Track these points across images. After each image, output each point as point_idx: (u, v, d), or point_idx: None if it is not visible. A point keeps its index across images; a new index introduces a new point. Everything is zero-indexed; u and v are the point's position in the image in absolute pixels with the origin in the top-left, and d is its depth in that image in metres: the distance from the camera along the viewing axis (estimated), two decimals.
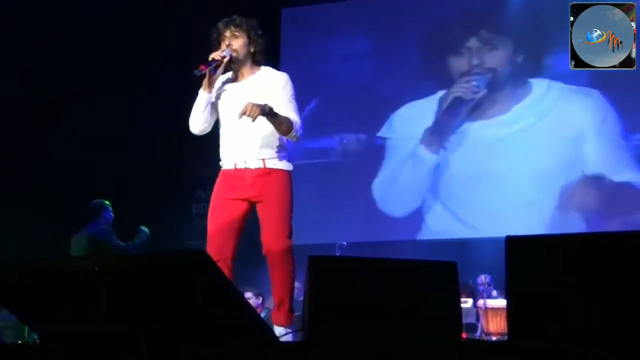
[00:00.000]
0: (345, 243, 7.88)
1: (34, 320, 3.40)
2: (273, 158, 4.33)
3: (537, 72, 8.89)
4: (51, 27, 9.04)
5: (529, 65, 8.92)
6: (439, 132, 8.98)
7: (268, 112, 4.14)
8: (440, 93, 9.13)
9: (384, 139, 9.26)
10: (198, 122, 4.42)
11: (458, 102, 8.97)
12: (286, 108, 4.31)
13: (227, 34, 4.38)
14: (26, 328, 6.98)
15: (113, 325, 3.08)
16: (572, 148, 8.66)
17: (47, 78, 9.27)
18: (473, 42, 8.99)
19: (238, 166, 4.34)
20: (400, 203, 9.03)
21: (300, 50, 9.25)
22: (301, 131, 4.35)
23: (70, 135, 8.98)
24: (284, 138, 4.35)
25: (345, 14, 9.58)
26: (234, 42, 4.36)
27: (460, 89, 8.97)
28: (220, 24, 4.43)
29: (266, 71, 4.46)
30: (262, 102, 4.14)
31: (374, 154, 9.28)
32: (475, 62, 8.99)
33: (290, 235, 4.32)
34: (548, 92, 8.81)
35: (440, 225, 8.90)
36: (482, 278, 8.17)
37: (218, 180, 4.43)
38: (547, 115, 8.77)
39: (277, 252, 4.27)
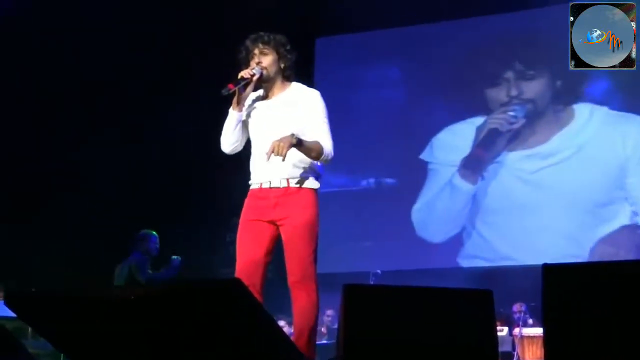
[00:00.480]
0: (379, 271, 7.85)
1: (70, 348, 3.42)
2: (297, 177, 4.26)
3: (579, 97, 8.80)
4: (81, 46, 9.14)
5: (569, 90, 8.84)
6: (475, 163, 8.94)
7: (296, 144, 4.10)
8: (479, 119, 9.08)
9: (423, 163, 9.23)
10: (229, 142, 4.39)
11: (495, 133, 8.92)
12: (318, 129, 4.28)
13: (256, 51, 4.34)
14: (62, 356, 7.02)
15: (148, 353, 3.09)
16: (614, 179, 8.52)
17: (75, 102, 9.36)
18: (509, 74, 8.96)
19: (263, 186, 4.30)
20: (438, 229, 9.00)
21: (334, 78, 9.28)
22: (332, 154, 4.27)
23: (103, 161, 9.10)
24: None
25: (378, 43, 9.61)
26: (263, 60, 4.32)
27: (497, 121, 8.94)
28: (248, 42, 4.39)
29: (297, 88, 4.40)
30: (288, 134, 4.11)
31: (407, 181, 9.24)
32: (514, 93, 8.95)
33: (314, 260, 4.22)
34: (590, 119, 8.72)
35: (476, 253, 8.83)
36: (518, 306, 8.10)
37: (246, 202, 4.39)
38: (588, 145, 8.67)
39: (298, 279, 4.18)
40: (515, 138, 8.96)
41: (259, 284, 4.22)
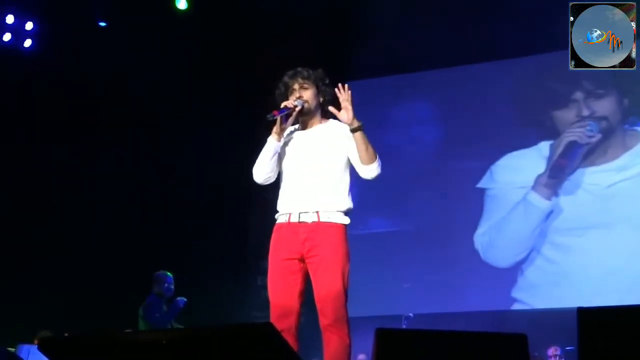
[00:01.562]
0: (412, 314, 7.79)
1: None
2: (328, 211, 4.20)
3: None
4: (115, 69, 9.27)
5: (637, 108, 8.82)
6: (554, 176, 8.90)
7: (358, 127, 4.14)
8: (543, 143, 9.07)
9: (455, 204, 9.20)
10: (264, 171, 4.31)
11: (574, 146, 8.89)
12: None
13: (296, 86, 4.34)
14: None
15: None
16: None
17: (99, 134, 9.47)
18: (578, 95, 8.96)
19: (292, 218, 4.23)
20: (507, 252, 8.94)
21: (365, 121, 9.27)
22: (380, 170, 4.25)
23: (130, 201, 9.17)
24: (343, 189, 4.25)
25: (409, 85, 9.65)
26: (304, 94, 4.32)
27: (575, 133, 8.92)
28: (286, 78, 4.39)
29: (333, 124, 4.38)
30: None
31: (444, 222, 9.18)
32: (585, 113, 8.94)
33: (345, 301, 4.13)
34: None
35: (512, 296, 8.73)
36: (552, 350, 7.98)
37: (273, 237, 4.31)
38: None
39: (330, 322, 4.10)
40: (588, 155, 8.93)
41: (294, 327, 4.16)
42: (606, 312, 2.93)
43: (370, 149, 4.20)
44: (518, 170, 9.16)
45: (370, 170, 4.24)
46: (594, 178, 8.80)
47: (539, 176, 8.99)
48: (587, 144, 8.89)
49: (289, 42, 8.81)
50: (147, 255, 8.43)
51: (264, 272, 9.00)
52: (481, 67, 9.58)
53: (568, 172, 8.89)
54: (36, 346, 7.33)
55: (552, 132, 9.15)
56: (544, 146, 9.13)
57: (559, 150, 8.96)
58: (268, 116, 4.23)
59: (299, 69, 4.40)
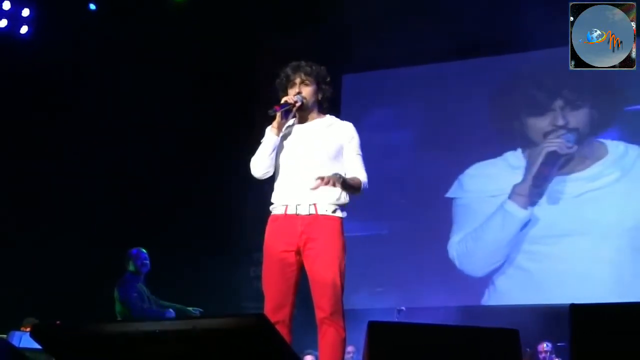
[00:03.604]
0: (404, 308, 7.81)
1: None
2: (325, 204, 4.20)
3: (613, 132, 8.82)
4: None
5: (604, 123, 8.88)
6: (534, 186, 8.95)
7: (342, 183, 4.10)
8: (509, 153, 9.10)
9: (449, 199, 9.22)
10: (263, 165, 4.28)
11: (553, 156, 8.95)
12: (354, 160, 4.29)
13: (297, 80, 4.33)
14: None
15: None
16: None
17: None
18: (558, 103, 8.99)
19: (289, 211, 4.22)
20: (483, 261, 8.97)
21: (360, 115, 9.27)
22: (367, 186, 4.27)
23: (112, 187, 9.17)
24: None
25: (403, 80, 9.67)
26: (304, 90, 4.31)
27: (554, 144, 8.96)
28: (289, 70, 4.37)
29: (332, 120, 4.39)
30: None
31: (438, 215, 9.21)
32: (560, 123, 8.98)
33: (342, 294, 4.14)
34: (626, 153, 8.76)
35: (506, 290, 8.78)
36: (543, 346, 8.00)
37: (268, 228, 4.30)
38: (628, 174, 8.67)
39: (327, 315, 4.09)
40: (564, 164, 8.99)
41: (288, 319, 4.16)
42: (598, 309, 2.95)
43: (356, 186, 4.22)
44: (488, 179, 9.17)
45: (357, 195, 4.30)
46: (565, 187, 8.87)
47: (516, 185, 9.02)
48: (566, 154, 8.96)
49: (289, 35, 8.80)
50: (136, 244, 8.39)
51: (257, 263, 9.03)
52: (459, 65, 9.58)
53: (541, 184, 8.96)
54: (27, 333, 7.37)
55: (521, 141, 9.16)
56: (512, 155, 9.20)
57: (540, 159, 9.02)
58: (270, 111, 4.24)
59: (303, 63, 4.38)
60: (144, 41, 9.22)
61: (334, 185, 4.05)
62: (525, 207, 8.94)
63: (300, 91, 4.32)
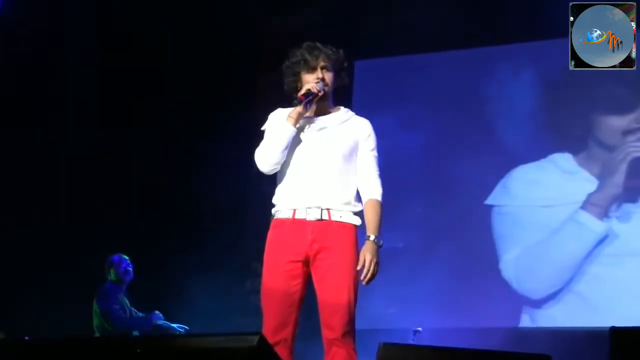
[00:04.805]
0: (420, 329, 7.83)
1: None
2: (340, 210, 4.22)
3: None
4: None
5: None
6: (609, 198, 8.75)
7: (380, 245, 4.22)
8: (557, 155, 8.99)
9: (476, 207, 9.08)
10: (275, 159, 4.24)
11: (637, 163, 8.72)
12: (368, 162, 4.33)
13: (319, 64, 4.30)
14: None
15: None
16: None
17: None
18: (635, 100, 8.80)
19: (297, 215, 4.22)
20: (546, 281, 8.79)
21: (375, 108, 9.22)
22: (382, 191, 4.32)
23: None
24: (354, 187, 4.30)
25: (429, 66, 9.57)
26: (326, 76, 4.30)
27: (636, 148, 8.74)
28: (305, 52, 4.33)
29: (348, 114, 4.40)
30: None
31: (464, 225, 9.09)
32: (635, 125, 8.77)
33: (354, 310, 4.15)
34: None
35: (551, 312, 8.70)
36: None
37: (272, 234, 4.29)
38: None
39: (338, 335, 4.10)
40: None
41: (290, 339, 4.17)
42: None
43: (381, 217, 4.31)
44: (537, 185, 8.96)
45: None
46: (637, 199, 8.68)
47: (592, 194, 8.76)
48: None
49: (295, 14, 8.84)
50: (116, 251, 8.43)
51: (255, 275, 9.10)
52: (496, 51, 9.38)
53: (621, 194, 8.72)
54: None
55: (577, 141, 8.93)
56: (561, 158, 8.91)
57: (624, 167, 8.79)
58: (295, 102, 4.25)
59: (320, 45, 4.37)
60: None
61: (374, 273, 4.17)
62: (602, 220, 8.73)
63: (323, 77, 4.30)
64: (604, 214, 8.69)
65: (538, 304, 8.79)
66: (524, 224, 8.95)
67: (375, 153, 4.38)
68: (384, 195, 4.37)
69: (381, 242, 4.23)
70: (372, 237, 4.20)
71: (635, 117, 8.73)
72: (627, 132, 8.73)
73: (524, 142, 9.03)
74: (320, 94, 4.26)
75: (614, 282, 8.50)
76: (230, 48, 9.52)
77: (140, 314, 7.70)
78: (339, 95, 4.49)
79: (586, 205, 8.75)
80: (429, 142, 9.21)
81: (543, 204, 8.87)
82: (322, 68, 4.31)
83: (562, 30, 8.30)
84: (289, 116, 4.27)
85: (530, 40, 9.07)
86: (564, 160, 8.95)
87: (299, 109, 4.25)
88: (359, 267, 4.14)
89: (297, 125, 4.30)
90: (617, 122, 8.81)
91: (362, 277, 4.15)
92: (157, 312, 7.68)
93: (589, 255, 8.65)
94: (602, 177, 8.79)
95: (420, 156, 9.15)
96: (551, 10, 8.27)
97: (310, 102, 4.27)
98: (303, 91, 4.26)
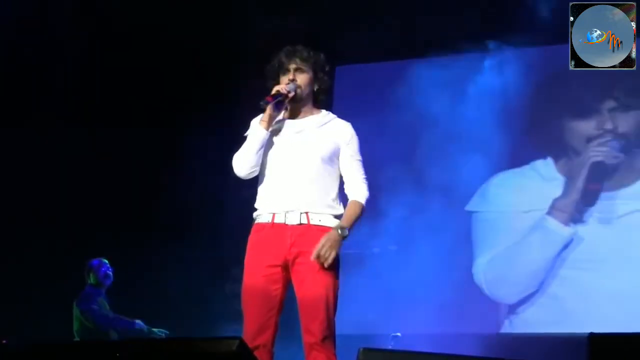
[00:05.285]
0: (399, 334, 7.84)
1: None
2: (319, 212, 4.22)
3: None
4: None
5: None
6: (577, 203, 8.77)
7: (345, 236, 4.14)
8: (539, 162, 9.02)
9: (468, 213, 9.11)
10: (249, 164, 4.26)
11: (600, 167, 8.77)
12: (351, 166, 4.31)
13: (292, 66, 4.32)
14: None
15: None
16: None
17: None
18: (606, 104, 8.85)
19: (277, 219, 4.22)
20: (516, 286, 8.80)
21: (356, 113, 9.18)
22: (368, 193, 4.30)
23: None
24: (335, 190, 4.28)
25: (405, 72, 9.58)
26: (298, 77, 4.30)
27: (599, 153, 8.76)
28: (282, 55, 4.36)
29: (328, 117, 4.39)
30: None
31: (448, 230, 9.11)
32: (608, 127, 8.81)
33: (334, 314, 4.15)
34: None
35: (531, 318, 8.72)
36: None
37: (252, 239, 4.29)
38: None
39: (318, 340, 4.10)
40: (612, 176, 8.80)
41: (270, 343, 4.17)
42: (618, 339, 3.02)
43: (358, 215, 4.27)
44: (517, 191, 9.02)
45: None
46: (608, 205, 8.66)
47: (557, 200, 8.83)
48: (613, 164, 8.79)
49: (279, 17, 8.84)
50: (96, 254, 8.40)
51: (235, 280, 9.05)
52: (476, 57, 9.31)
53: (585, 199, 8.77)
54: None
55: (556, 147, 8.99)
56: (542, 164, 8.97)
57: (585, 172, 8.84)
58: (261, 103, 4.23)
59: (299, 47, 4.38)
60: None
61: (330, 259, 4.08)
62: (567, 225, 8.78)
63: (294, 79, 4.30)
64: (569, 219, 8.78)
65: (512, 309, 8.83)
66: (499, 230, 9.02)
67: (358, 156, 4.36)
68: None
69: (347, 232, 4.17)
70: (339, 228, 4.18)
71: (598, 123, 8.85)
72: (590, 138, 8.84)
73: (506, 148, 9.04)
74: (290, 94, 4.26)
75: (583, 287, 8.57)
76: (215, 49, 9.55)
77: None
78: (322, 99, 4.46)
79: (551, 210, 8.83)
80: (408, 148, 9.25)
81: (519, 209, 8.93)
82: (296, 70, 4.32)
83: (544, 37, 8.56)
84: (261, 119, 4.29)
85: (513, 46, 9.10)
86: (544, 166, 9.00)
87: (269, 111, 4.26)
88: (313, 254, 4.11)
89: (274, 128, 4.32)
90: (584, 127, 8.91)
91: (311, 257, 4.12)
92: (138, 321, 7.70)
93: (555, 260, 8.73)
94: (566, 182, 8.89)
95: (400, 162, 9.16)
96: (533, 16, 8.38)
97: (281, 104, 4.28)
98: (272, 92, 4.27)
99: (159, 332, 7.75)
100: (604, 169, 8.75)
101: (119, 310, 7.83)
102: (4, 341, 6.71)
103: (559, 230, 8.74)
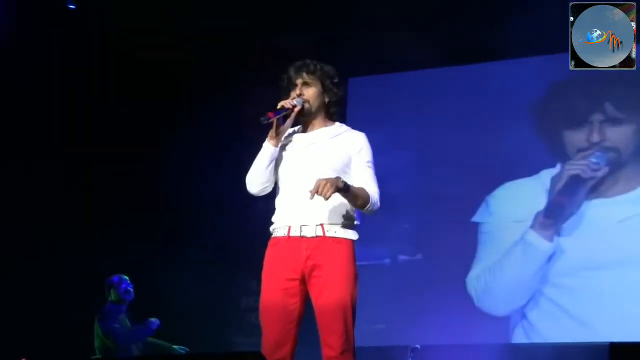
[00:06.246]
0: (418, 346, 7.81)
1: None
2: (335, 224, 4.20)
3: None
4: None
5: None
6: (554, 214, 8.76)
7: (342, 188, 4.05)
8: (545, 172, 8.99)
9: (474, 225, 9.09)
10: (260, 180, 4.29)
11: (576, 181, 8.77)
12: (364, 174, 4.28)
13: (299, 81, 4.33)
14: None
15: None
16: None
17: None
18: (596, 117, 8.85)
19: (292, 233, 4.20)
20: (504, 299, 8.81)
21: (369, 125, 9.17)
22: (379, 204, 4.28)
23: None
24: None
25: (420, 83, 9.59)
26: (305, 91, 4.31)
27: (577, 167, 8.76)
28: (291, 70, 4.37)
29: (341, 129, 4.38)
30: (334, 176, 4.08)
31: (457, 244, 9.09)
32: (595, 139, 8.82)
33: (352, 327, 4.14)
34: None
35: (544, 325, 8.69)
36: None
37: (268, 253, 4.29)
38: None
39: (337, 354, 4.08)
40: (595, 187, 8.79)
41: (289, 357, 4.17)
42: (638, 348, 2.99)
43: (362, 197, 4.19)
44: (515, 202, 8.98)
45: (366, 212, 4.28)
46: (605, 211, 8.71)
47: (538, 213, 8.88)
48: (592, 178, 8.79)
49: (287, 31, 8.84)
50: (115, 271, 8.42)
51: (251, 293, 9.06)
52: (478, 68, 9.42)
53: (570, 209, 8.80)
54: None
55: (559, 157, 8.96)
56: (547, 174, 8.94)
57: (559, 185, 8.88)
58: (262, 119, 4.20)
59: (307, 61, 4.39)
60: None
61: (327, 192, 3.98)
62: (549, 239, 8.74)
63: (301, 93, 4.31)
64: (549, 232, 8.76)
65: (521, 318, 8.80)
66: (494, 241, 9.02)
67: (370, 165, 4.33)
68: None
69: (344, 184, 4.07)
70: (340, 177, 4.11)
71: (586, 135, 8.85)
72: (581, 150, 8.86)
73: (515, 158, 9.08)
74: (296, 109, 4.26)
75: (587, 294, 8.54)
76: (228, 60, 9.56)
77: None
78: (334, 111, 4.43)
79: (534, 223, 8.83)
80: (420, 159, 9.28)
81: (516, 220, 8.92)
82: (303, 84, 4.33)
83: (552, 47, 8.58)
84: (268, 136, 4.29)
85: (523, 57, 9.13)
86: (549, 176, 9.00)
87: (274, 127, 4.25)
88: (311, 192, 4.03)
89: (285, 142, 4.34)
90: (575, 138, 8.92)
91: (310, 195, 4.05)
92: (152, 319, 7.69)
93: (538, 273, 8.72)
94: (549, 194, 8.88)
95: (411, 173, 9.18)
96: (541, 26, 8.39)
97: (285, 118, 4.28)
98: (278, 107, 4.27)
99: (179, 348, 7.75)
100: (579, 182, 8.73)
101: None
102: (24, 359, 6.75)
103: (538, 244, 8.73)
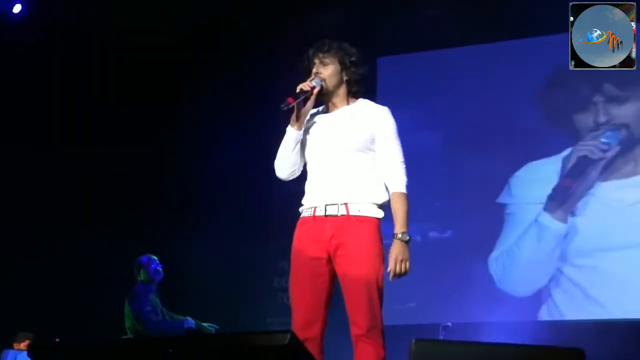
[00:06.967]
0: (450, 324, 7.80)
1: None
2: (359, 203, 4.19)
3: None
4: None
5: None
6: (563, 196, 8.75)
7: (407, 242, 4.21)
8: (567, 152, 8.93)
9: (501, 205, 9.07)
10: (286, 165, 4.31)
11: (585, 162, 8.73)
12: (388, 150, 4.25)
13: (316, 60, 4.31)
14: None
15: None
16: None
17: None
18: (598, 98, 8.80)
19: (317, 212, 4.22)
20: (523, 280, 8.78)
21: (397, 106, 9.17)
22: (406, 178, 4.27)
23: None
24: (376, 178, 4.25)
25: (447, 62, 9.54)
26: (323, 70, 4.28)
27: (585, 148, 8.71)
28: (310, 50, 4.35)
29: (363, 104, 4.35)
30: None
31: (486, 224, 9.07)
32: (602, 119, 8.76)
33: (380, 306, 4.14)
34: None
35: (567, 304, 8.66)
36: None
37: (296, 233, 4.30)
38: None
39: (364, 331, 4.08)
40: (607, 168, 8.74)
41: (319, 336, 4.17)
42: None
43: (407, 210, 4.29)
44: (535, 183, 8.92)
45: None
46: (617, 194, 8.61)
47: (550, 194, 8.76)
48: (601, 159, 8.72)
49: (318, 13, 8.82)
50: (143, 252, 8.45)
51: (282, 273, 9.06)
52: (496, 47, 9.34)
53: (579, 190, 8.73)
54: (23, 352, 7.49)
55: (575, 138, 8.90)
56: (567, 154, 8.90)
57: (569, 166, 8.80)
58: (282, 105, 4.19)
59: (325, 40, 4.37)
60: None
61: (405, 264, 4.21)
62: (562, 219, 8.72)
63: (318, 72, 4.29)
64: (560, 214, 8.71)
65: (545, 297, 8.78)
66: (516, 223, 8.97)
67: (393, 138, 4.29)
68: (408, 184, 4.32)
69: (408, 236, 4.19)
70: (398, 235, 4.19)
71: (594, 117, 8.77)
72: (591, 130, 8.78)
73: (542, 137, 9.03)
74: (315, 90, 4.25)
75: (607, 274, 8.48)
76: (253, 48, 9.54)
77: (174, 316, 7.75)
78: (356, 89, 4.38)
79: (546, 205, 8.79)
80: (450, 138, 9.26)
81: (535, 202, 8.88)
82: (320, 63, 4.31)
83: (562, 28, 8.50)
84: (291, 120, 4.29)
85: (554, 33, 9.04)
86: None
87: (295, 111, 4.25)
88: (388, 270, 4.15)
89: (309, 125, 4.33)
90: (584, 119, 8.85)
91: (390, 278, 4.16)
92: (189, 318, 7.73)
93: (552, 254, 8.70)
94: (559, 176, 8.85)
95: (441, 151, 9.19)
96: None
97: (305, 100, 4.25)
98: (297, 91, 4.25)
99: (209, 326, 7.78)
100: (588, 164, 8.67)
101: (168, 306, 7.87)
102: (57, 339, 6.80)
103: (551, 225, 8.70)
